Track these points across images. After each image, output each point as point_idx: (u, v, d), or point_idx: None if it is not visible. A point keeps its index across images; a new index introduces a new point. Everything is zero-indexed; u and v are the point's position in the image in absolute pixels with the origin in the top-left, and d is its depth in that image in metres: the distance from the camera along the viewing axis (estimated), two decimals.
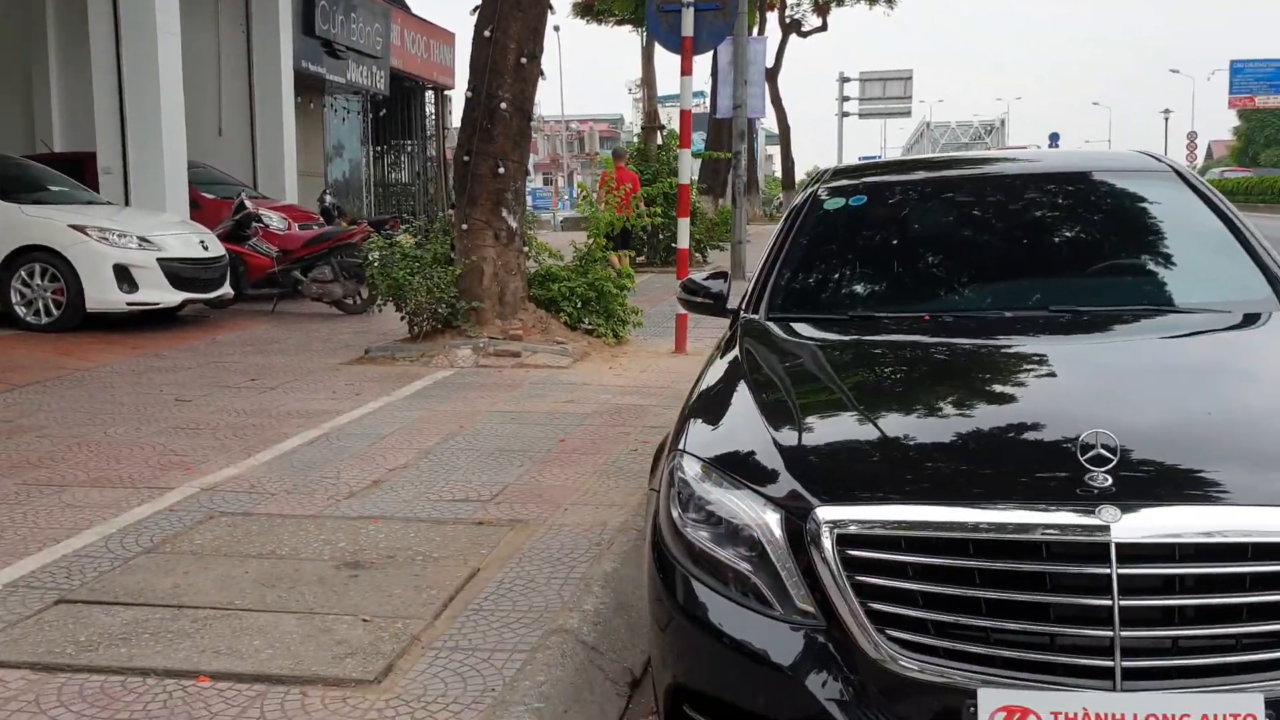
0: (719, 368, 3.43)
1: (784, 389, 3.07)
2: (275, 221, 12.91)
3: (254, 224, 12.33)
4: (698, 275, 4.39)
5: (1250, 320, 3.46)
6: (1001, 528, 2.31)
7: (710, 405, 3.14)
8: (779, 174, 59.14)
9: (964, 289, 3.86)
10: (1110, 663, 2.22)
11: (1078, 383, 2.96)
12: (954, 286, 3.88)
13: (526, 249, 9.82)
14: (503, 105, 9.23)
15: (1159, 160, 4.39)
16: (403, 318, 9.58)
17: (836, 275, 4.07)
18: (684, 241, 10.19)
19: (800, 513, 2.48)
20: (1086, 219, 4.11)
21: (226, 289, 11.46)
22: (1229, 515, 2.27)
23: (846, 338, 3.55)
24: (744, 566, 2.55)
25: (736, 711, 2.55)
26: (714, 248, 18.97)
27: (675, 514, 2.74)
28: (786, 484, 2.56)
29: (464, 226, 9.40)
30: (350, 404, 7.46)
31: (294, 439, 6.46)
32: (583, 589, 4.06)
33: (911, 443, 2.68)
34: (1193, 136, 75.58)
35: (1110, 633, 2.22)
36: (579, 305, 9.91)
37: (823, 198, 4.29)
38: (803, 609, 2.45)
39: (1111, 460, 2.34)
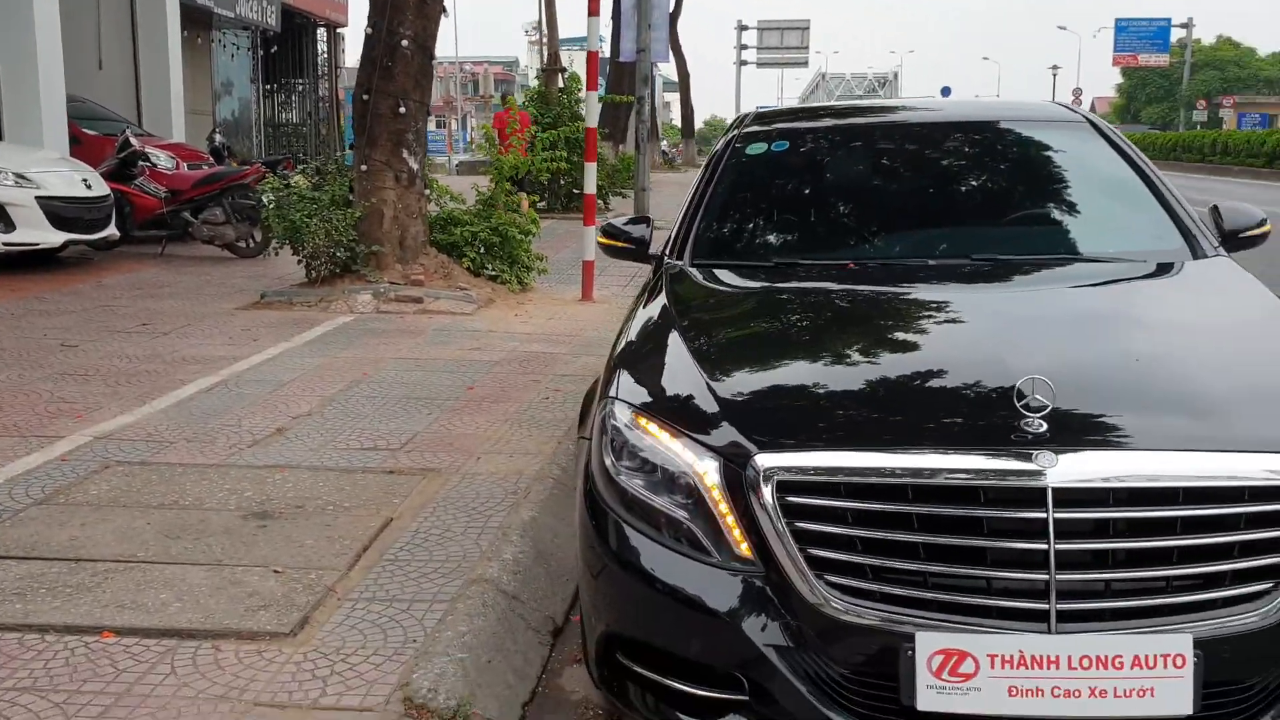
0: (646, 314, 3.37)
1: (715, 336, 3.03)
2: (163, 160, 12.40)
3: (140, 163, 11.82)
4: (617, 220, 4.31)
5: (1165, 270, 3.52)
6: (940, 473, 2.32)
7: (641, 352, 3.09)
8: (676, 121, 58.97)
9: (886, 237, 3.86)
10: (1045, 605, 2.25)
11: (1008, 330, 2.98)
12: (876, 234, 3.88)
13: (428, 192, 9.60)
14: (404, 42, 8.96)
15: (1074, 111, 4.44)
16: (300, 262, 9.30)
17: (760, 222, 4.04)
18: (591, 187, 10.07)
19: (739, 460, 2.45)
20: (1006, 169, 4.14)
21: (112, 230, 10.99)
22: (1161, 460, 2.31)
23: (774, 285, 3.52)
24: (680, 514, 2.52)
25: (671, 658, 2.53)
26: (616, 194, 18.83)
27: (608, 461, 2.70)
28: (724, 431, 2.53)
29: (363, 168, 9.14)
30: (248, 350, 7.23)
31: (191, 386, 6.23)
32: (501, 538, 4.00)
33: (848, 390, 2.67)
34: (1078, 93, 77.51)
35: (1045, 576, 2.24)
36: (482, 251, 9.74)
37: (744, 143, 4.25)
38: (740, 555, 2.43)
39: (1047, 406, 2.36)
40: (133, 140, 11.97)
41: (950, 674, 2.25)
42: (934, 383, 2.65)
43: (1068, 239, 3.78)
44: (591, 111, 9.87)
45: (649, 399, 2.77)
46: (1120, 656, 2.22)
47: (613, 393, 2.86)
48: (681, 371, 2.84)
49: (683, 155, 41.82)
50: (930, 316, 3.17)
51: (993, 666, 2.24)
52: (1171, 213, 3.80)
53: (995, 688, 2.24)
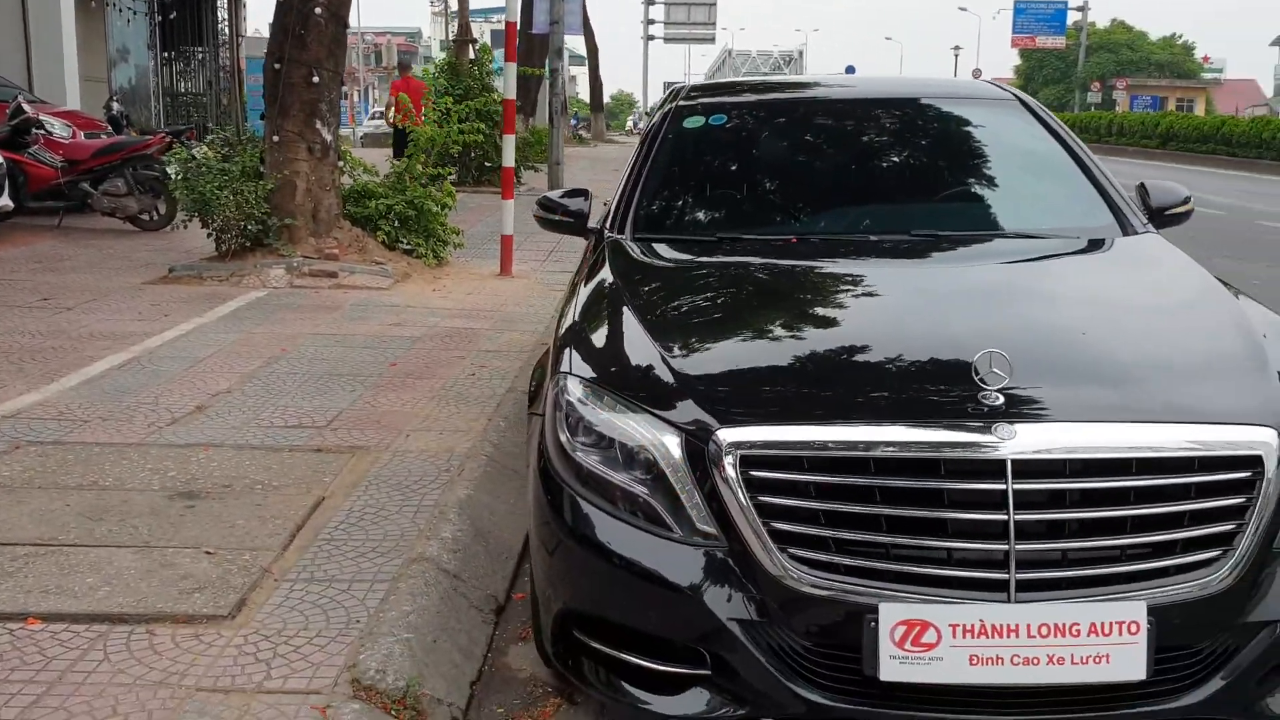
0: (592, 289, 3.34)
1: (667, 311, 3.02)
2: (58, 128, 11.91)
3: (34, 130, 11.34)
4: (553, 193, 4.26)
5: (1099, 245, 3.59)
6: (902, 446, 2.34)
7: (591, 327, 3.05)
8: (583, 95, 58.69)
9: (826, 212, 3.88)
10: (1005, 575, 2.28)
11: (958, 305, 3.02)
12: (817, 209, 3.90)
13: (341, 164, 9.40)
14: (317, 10, 8.73)
15: (1003, 89, 4.50)
16: (209, 235, 9.04)
17: (700, 196, 4.02)
18: (509, 159, 9.96)
19: (701, 435, 2.44)
20: (941, 145, 4.19)
21: (5, 201, 10.54)
22: (1115, 432, 2.36)
23: (721, 260, 3.51)
24: (639, 489, 2.51)
25: (630, 633, 2.52)
26: (529, 168, 18.64)
27: (564, 438, 2.66)
28: (686, 406, 2.51)
29: (275, 139, 8.90)
30: (160, 325, 7.00)
31: (101, 362, 6.02)
32: (438, 516, 3.94)
33: (807, 364, 2.67)
34: (977, 74, 78.80)
35: (1005, 546, 2.28)
36: (397, 224, 9.57)
37: (681, 117, 4.22)
38: (703, 530, 2.42)
39: (1003, 379, 2.39)
40: (25, 107, 11.47)
41: (913, 644, 2.28)
42: (892, 357, 2.67)
43: (1003, 215, 3.84)
44: (510, 83, 9.74)
45: (603, 374, 2.75)
46: (1078, 624, 2.26)
47: (565, 368, 2.82)
48: (636, 346, 2.82)
49: (592, 130, 41.67)
50: (881, 292, 3.20)
51: (954, 636, 2.27)
52: (1101, 190, 3.88)
53: (957, 657, 2.27)
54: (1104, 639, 2.27)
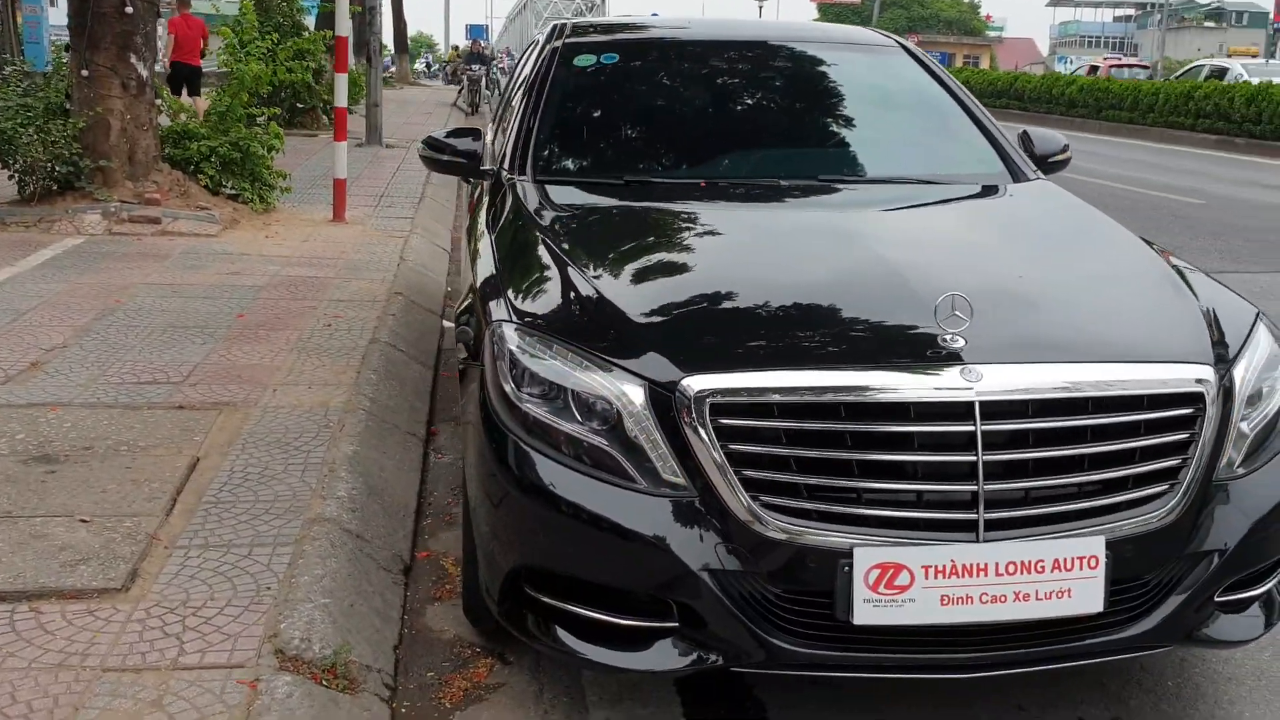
0: (509, 234, 3.20)
1: (605, 257, 2.91)
2: None
3: None
4: (438, 133, 4.06)
5: (997, 191, 3.67)
6: (872, 389, 2.32)
7: (523, 274, 2.92)
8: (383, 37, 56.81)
9: (733, 156, 3.82)
10: (974, 515, 2.30)
11: (903, 248, 3.01)
12: (722, 153, 3.83)
13: (159, 102, 8.78)
14: None
15: (886, 36, 4.54)
16: (11, 177, 8.30)
17: (602, 137, 3.91)
18: (342, 100, 9.51)
19: (667, 384, 2.37)
20: (837, 91, 4.19)
21: None
22: (1072, 372, 2.40)
23: (646, 204, 3.41)
24: (598, 440, 2.42)
25: (590, 588, 2.44)
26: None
27: (508, 388, 2.54)
28: (647, 355, 2.43)
29: (84, 73, 8.21)
30: None
31: None
32: (329, 474, 3.74)
33: (765, 310, 2.62)
34: None
35: (974, 487, 2.30)
36: (219, 167, 9.03)
37: (570, 55, 4.08)
38: (670, 480, 2.36)
39: (964, 322, 2.40)
40: None
41: (887, 587, 2.28)
42: (851, 301, 2.65)
43: (904, 160, 3.87)
44: (342, 19, 9.28)
45: (548, 322, 2.63)
46: (1042, 561, 2.31)
47: (500, 316, 2.69)
48: (579, 293, 2.71)
49: (397, 72, 40.37)
50: (820, 236, 3.16)
51: (926, 577, 2.28)
52: (990, 137, 3.96)
53: (928, 598, 2.29)
54: (1066, 574, 2.32)
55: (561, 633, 2.50)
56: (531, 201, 3.37)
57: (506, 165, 3.71)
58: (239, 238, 8.06)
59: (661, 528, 2.34)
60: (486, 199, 3.75)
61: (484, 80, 28.25)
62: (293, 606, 2.87)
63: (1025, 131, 4.08)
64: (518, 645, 2.97)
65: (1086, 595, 2.34)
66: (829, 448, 2.31)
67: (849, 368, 2.36)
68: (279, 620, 2.80)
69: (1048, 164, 3.98)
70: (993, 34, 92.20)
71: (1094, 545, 2.33)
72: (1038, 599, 2.32)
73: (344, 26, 9.31)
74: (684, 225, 3.26)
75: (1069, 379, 2.38)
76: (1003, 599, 2.31)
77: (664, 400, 2.36)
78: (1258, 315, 2.80)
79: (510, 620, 2.61)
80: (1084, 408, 2.37)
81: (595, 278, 2.76)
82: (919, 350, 2.39)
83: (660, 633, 2.41)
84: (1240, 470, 2.51)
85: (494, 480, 2.54)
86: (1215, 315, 2.73)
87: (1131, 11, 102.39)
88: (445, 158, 3.86)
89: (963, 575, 2.29)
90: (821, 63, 4.27)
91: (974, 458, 2.30)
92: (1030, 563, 2.31)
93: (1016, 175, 3.80)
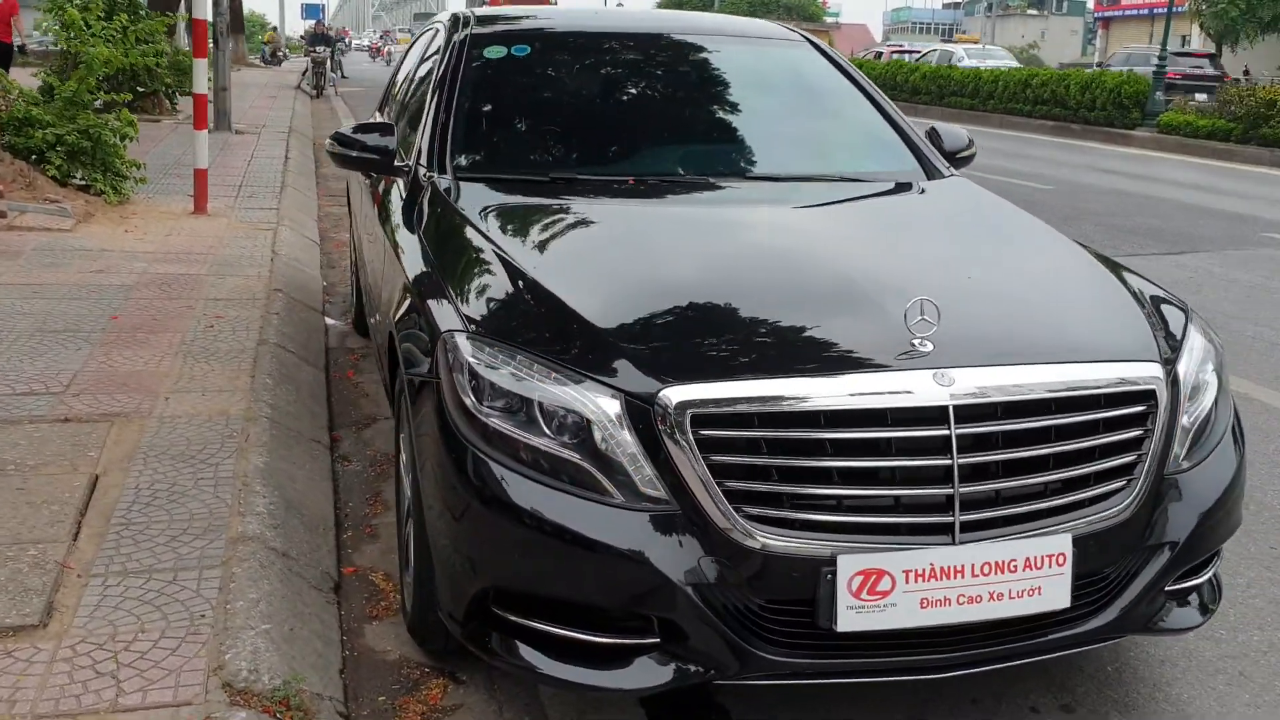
0: (439, 235, 3.10)
1: (553, 261, 2.83)
2: None
3: None
4: (345, 129, 3.89)
5: (909, 188, 3.70)
6: (852, 397, 2.32)
7: (464, 279, 2.81)
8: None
9: (655, 152, 3.77)
10: (950, 518, 2.33)
11: (855, 249, 3.02)
12: (644, 149, 3.78)
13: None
14: None
15: (791, 30, 4.56)
16: None
17: (521, 133, 3.80)
18: (202, 86, 9.07)
19: (645, 396, 2.31)
20: (754, 86, 4.17)
21: None
22: (1035, 373, 2.44)
23: (579, 203, 3.33)
24: (570, 454, 2.35)
25: (564, 607, 2.38)
26: (184, 94, 17.13)
27: (468, 402, 2.45)
28: (622, 366, 2.37)
29: None
30: None
31: None
32: (243, 489, 3.56)
33: (736, 315, 2.59)
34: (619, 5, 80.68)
35: (950, 490, 2.32)
36: (67, 157, 8.53)
37: (480, 45, 3.96)
38: (648, 494, 2.31)
39: (933, 326, 2.41)
40: None
41: (869, 593, 2.29)
42: (817, 306, 2.63)
43: (824, 158, 3.88)
44: (201, 1, 8.85)
45: (506, 332, 2.54)
46: (1014, 560, 2.35)
47: (454, 325, 2.59)
48: (534, 301, 2.62)
49: (234, 54, 38.83)
50: (768, 237, 3.14)
51: (907, 581, 2.30)
52: (902, 133, 4.02)
53: (909, 602, 2.30)
54: (1036, 572, 2.37)
55: (532, 653, 2.43)
56: (463, 202, 3.26)
57: (424, 162, 3.58)
58: (96, 232, 7.63)
59: (642, 542, 2.30)
60: (401, 196, 3.61)
61: (329, 62, 27.41)
62: (234, 635, 2.72)
63: (934, 128, 4.15)
64: (469, 663, 2.88)
65: (1054, 592, 2.39)
66: (810, 456, 2.30)
67: (828, 374, 2.35)
68: (222, 651, 2.65)
69: (956, 160, 4.06)
70: (830, 20, 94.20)
71: (1061, 543, 2.39)
72: (1010, 598, 2.36)
73: (203, 9, 8.88)
74: (628, 226, 3.19)
75: (1035, 380, 2.42)
76: (978, 599, 2.34)
77: (641, 412, 2.31)
78: (1189, 312, 2.90)
79: (474, 641, 2.52)
80: (1048, 408, 2.42)
81: (548, 283, 2.67)
82: (893, 355, 2.39)
83: (641, 649, 2.36)
84: (1185, 464, 2.61)
85: (456, 496, 2.45)
86: (1155, 312, 2.82)
87: None
88: (355, 154, 3.70)
89: (941, 578, 2.31)
90: (735, 57, 4.25)
91: (949, 461, 2.32)
92: (1004, 563, 2.35)
93: (930, 172, 3.86)
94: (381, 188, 4.12)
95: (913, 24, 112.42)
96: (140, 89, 15.35)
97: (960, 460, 2.32)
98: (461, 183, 3.42)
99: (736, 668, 2.35)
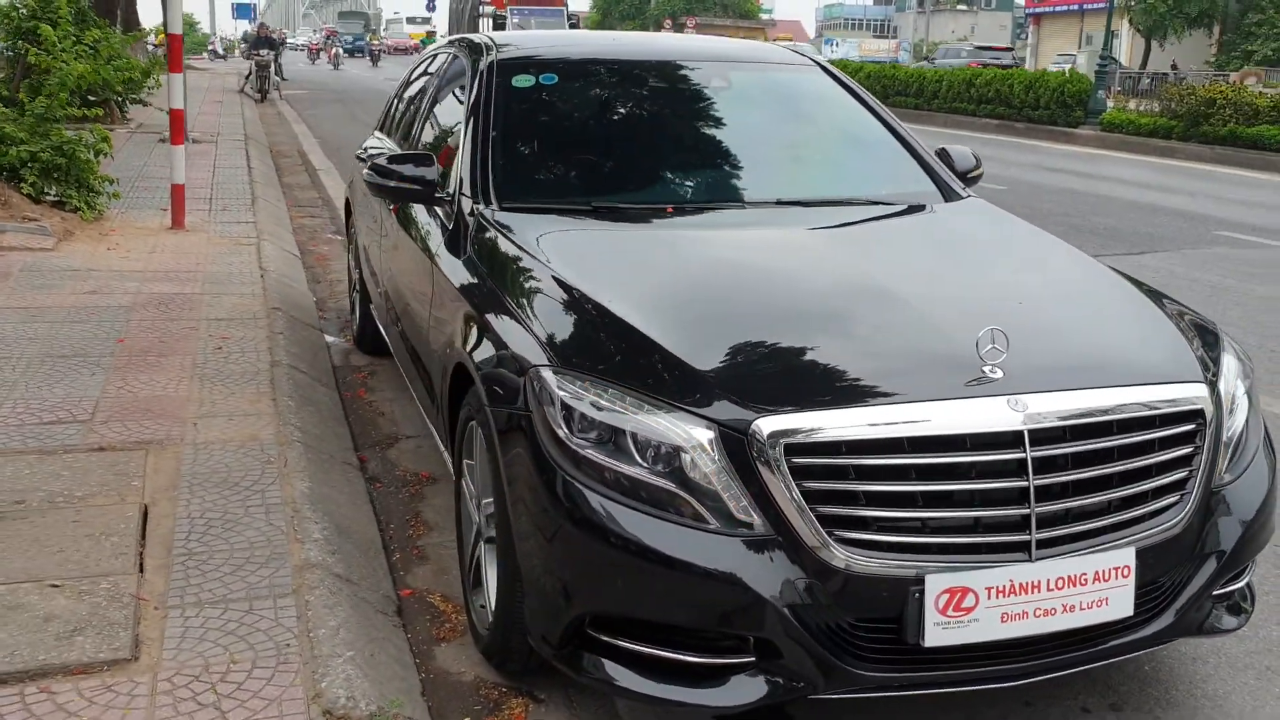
0: (506, 268, 3.18)
1: (628, 292, 2.92)
2: None
3: None
4: (380, 159, 3.94)
5: (925, 209, 3.84)
6: (932, 423, 2.45)
7: (549, 313, 2.90)
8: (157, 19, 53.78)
9: (689, 179, 3.89)
10: (1026, 536, 2.48)
11: (909, 277, 3.15)
12: (680, 176, 3.89)
13: None
14: None
15: (801, 54, 4.70)
16: None
17: (558, 162, 3.89)
18: (178, 101, 9.02)
19: (738, 425, 2.44)
20: (778, 112, 4.30)
21: None
22: (1102, 396, 2.60)
23: (636, 232, 3.44)
24: (665, 483, 2.47)
25: (660, 627, 2.50)
26: (134, 101, 16.93)
27: (561, 433, 2.56)
28: (714, 396, 2.49)
29: None
30: None
31: None
32: (294, 516, 3.63)
33: (816, 344, 2.71)
34: (565, 5, 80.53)
35: (1026, 510, 2.47)
36: (41, 174, 8.46)
37: (508, 74, 4.05)
38: (743, 520, 2.43)
39: (1003, 354, 2.56)
40: None
41: (955, 610, 2.43)
42: (894, 335, 2.76)
43: (851, 182, 4.03)
44: (175, 16, 8.79)
45: (595, 366, 2.64)
46: (1085, 574, 2.51)
47: (541, 360, 2.69)
48: (617, 332, 2.73)
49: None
50: (819, 263, 3.26)
51: (989, 598, 2.44)
52: (916, 155, 4.17)
53: (990, 617, 2.45)
54: (1104, 585, 2.53)
55: (628, 674, 2.54)
56: (517, 233, 3.34)
57: (467, 192, 3.66)
58: (79, 251, 7.59)
59: (738, 565, 2.42)
60: (445, 226, 3.69)
61: (273, 66, 27.14)
62: (324, 663, 2.80)
63: (944, 149, 4.30)
64: (545, 682, 2.99)
65: (1120, 601, 2.56)
66: (895, 480, 2.44)
67: (910, 403, 2.49)
68: (316, 679, 2.73)
69: (966, 179, 4.22)
70: (765, 16, 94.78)
71: (1126, 556, 2.55)
72: (1080, 609, 2.52)
73: (176, 23, 8.83)
74: (683, 253, 3.30)
75: (1098, 404, 2.58)
76: (1053, 612, 2.49)
77: (734, 441, 2.43)
78: (1219, 332, 3.09)
79: (568, 663, 2.63)
80: (1110, 429, 2.58)
81: (622, 314, 2.78)
82: (967, 382, 2.53)
83: (737, 667, 2.49)
84: (1228, 478, 2.78)
85: (555, 524, 2.55)
86: (1193, 332, 3.00)
87: None
88: (393, 184, 3.77)
89: (1020, 593, 2.46)
90: (752, 82, 4.38)
91: (1025, 483, 2.47)
92: (1076, 576, 2.50)
93: (947, 193, 4.01)
94: (410, 213, 4.19)
95: (845, 20, 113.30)
96: (92, 99, 15.12)
97: (1035, 481, 2.47)
98: (510, 213, 3.51)
99: (827, 683, 2.48)
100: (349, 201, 6.13)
